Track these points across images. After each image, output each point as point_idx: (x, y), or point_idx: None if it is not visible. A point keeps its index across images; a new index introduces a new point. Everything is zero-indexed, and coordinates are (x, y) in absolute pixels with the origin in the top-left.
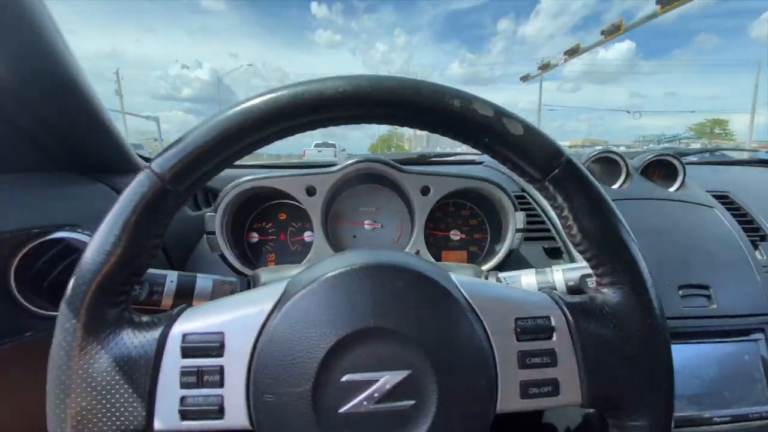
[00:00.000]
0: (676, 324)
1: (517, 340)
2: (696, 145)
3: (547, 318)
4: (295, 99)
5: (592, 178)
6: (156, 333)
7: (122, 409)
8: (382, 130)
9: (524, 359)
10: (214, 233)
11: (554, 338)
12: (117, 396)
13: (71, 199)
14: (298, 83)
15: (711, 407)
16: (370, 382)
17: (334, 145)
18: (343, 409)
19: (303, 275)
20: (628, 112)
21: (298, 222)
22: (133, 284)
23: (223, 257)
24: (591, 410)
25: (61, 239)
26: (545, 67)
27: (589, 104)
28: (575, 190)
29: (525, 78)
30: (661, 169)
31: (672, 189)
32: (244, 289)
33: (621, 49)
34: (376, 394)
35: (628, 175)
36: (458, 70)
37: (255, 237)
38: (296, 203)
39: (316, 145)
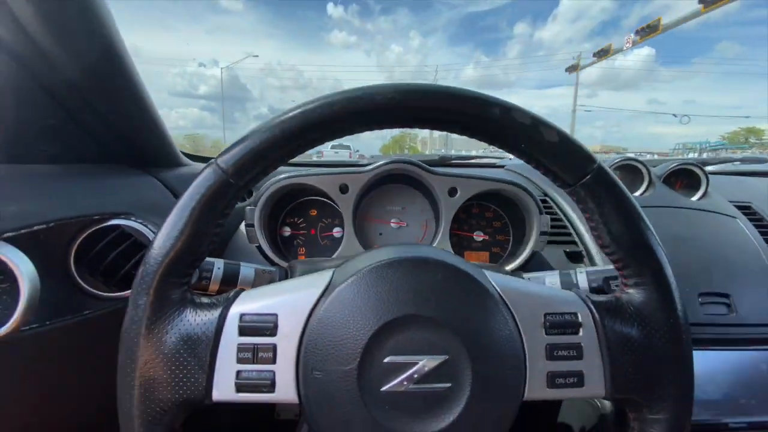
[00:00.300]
0: (695, 331)
1: (546, 333)
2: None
3: (575, 314)
4: (349, 104)
5: (622, 184)
6: (216, 312)
7: (185, 379)
8: (395, 131)
9: (552, 351)
10: (253, 225)
11: (581, 333)
12: (181, 368)
13: (124, 190)
14: (352, 90)
15: (727, 414)
16: (411, 365)
17: (348, 147)
18: (384, 388)
19: (349, 265)
20: (675, 115)
21: (328, 218)
22: (195, 268)
23: (260, 248)
24: (607, 409)
25: (117, 226)
26: (604, 52)
27: (606, 110)
28: (606, 196)
29: (572, 68)
30: (684, 178)
31: (694, 198)
32: (282, 278)
33: (640, 55)
34: (415, 376)
35: (650, 183)
36: (473, 73)
37: (287, 231)
38: (327, 200)
39: (333, 147)
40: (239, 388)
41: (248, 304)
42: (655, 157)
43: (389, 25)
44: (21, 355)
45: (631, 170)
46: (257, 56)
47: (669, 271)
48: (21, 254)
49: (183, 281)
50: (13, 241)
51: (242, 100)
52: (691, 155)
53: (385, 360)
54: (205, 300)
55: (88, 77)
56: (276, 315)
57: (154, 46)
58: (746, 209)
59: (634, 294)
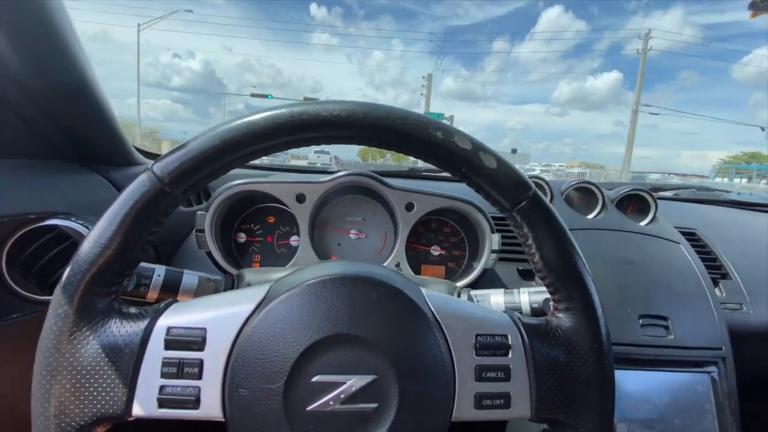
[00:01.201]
0: (634, 351)
1: (476, 354)
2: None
3: (506, 336)
4: (293, 118)
5: (555, 212)
6: (142, 324)
7: (104, 393)
8: None
9: (481, 373)
10: (203, 231)
11: (510, 355)
12: (100, 381)
13: (67, 188)
14: (298, 104)
15: (663, 431)
16: (338, 384)
17: (328, 153)
18: (310, 407)
19: (285, 280)
20: (763, 129)
21: (286, 226)
22: (125, 277)
23: (209, 255)
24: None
25: (54, 226)
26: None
27: (576, 129)
28: (539, 222)
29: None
30: (636, 202)
31: (643, 223)
32: (228, 288)
33: (609, 79)
34: (342, 395)
35: (603, 206)
36: (452, 85)
37: (242, 237)
38: (285, 207)
39: (316, 152)
40: (161, 403)
41: (177, 316)
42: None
43: (372, 31)
44: None
45: (587, 192)
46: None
47: (596, 299)
48: None
49: (110, 290)
50: None
51: (217, 96)
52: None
53: (313, 379)
54: (132, 310)
55: (30, 67)
56: (205, 329)
57: (126, 33)
58: (691, 235)
59: (563, 318)
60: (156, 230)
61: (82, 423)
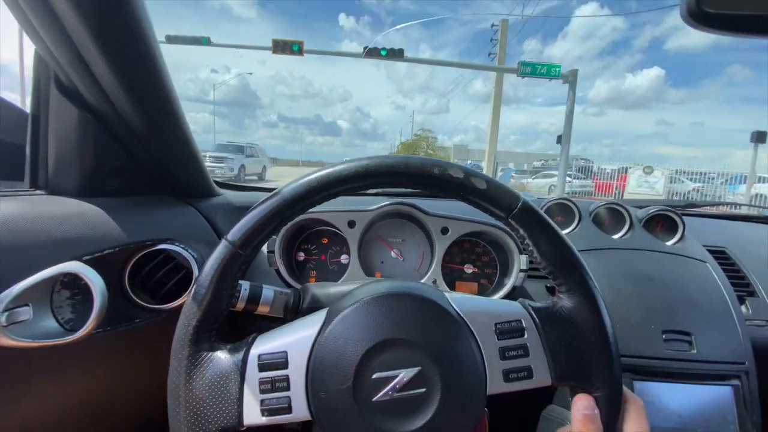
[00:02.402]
0: (657, 364)
1: (498, 339)
2: None
3: (519, 321)
4: (321, 180)
5: (544, 214)
6: (239, 356)
7: (221, 410)
8: (407, 136)
9: (504, 353)
10: (273, 252)
11: (526, 335)
12: (216, 404)
13: (169, 219)
14: (323, 169)
15: None
16: (392, 378)
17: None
18: (375, 398)
19: (338, 305)
20: None
21: (337, 246)
22: (219, 322)
23: (278, 272)
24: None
25: (163, 250)
26: None
27: (615, 129)
28: (531, 224)
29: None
30: (665, 221)
31: (671, 242)
32: (296, 300)
33: (649, 75)
34: (397, 386)
35: (631, 225)
36: (481, 88)
37: (301, 256)
38: (336, 230)
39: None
40: (263, 413)
41: (263, 345)
42: None
43: (400, 37)
44: (88, 355)
45: (615, 212)
46: (251, 74)
47: (592, 280)
48: (95, 273)
49: (210, 334)
50: (90, 262)
51: (252, 107)
52: None
53: (373, 376)
54: (229, 346)
55: (146, 124)
56: (286, 352)
57: (166, 51)
58: (720, 254)
59: (565, 299)
60: (235, 285)
61: None
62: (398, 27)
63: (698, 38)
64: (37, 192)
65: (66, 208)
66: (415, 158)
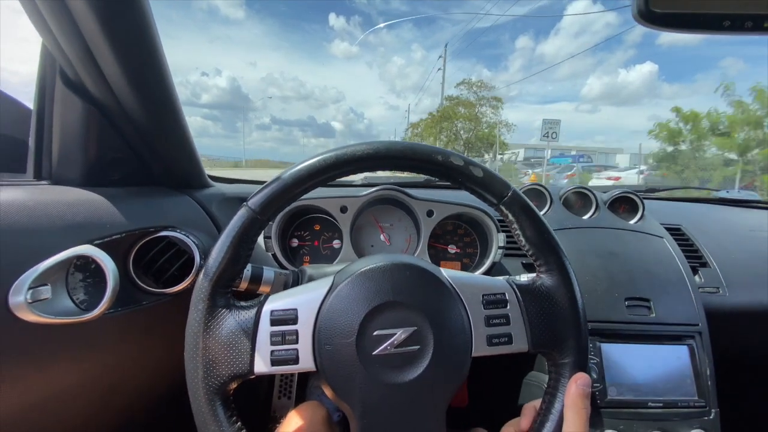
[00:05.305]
0: (621, 327)
1: (484, 308)
2: None
3: (503, 294)
4: (337, 158)
5: (530, 203)
6: (253, 311)
7: (235, 359)
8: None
9: (488, 320)
10: (270, 238)
11: (508, 307)
12: (231, 352)
13: (169, 208)
14: (338, 148)
15: (647, 394)
16: (391, 335)
17: None
18: (375, 352)
19: (345, 270)
20: None
21: (329, 232)
22: (235, 281)
23: (274, 256)
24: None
25: (165, 237)
26: None
27: (609, 126)
28: (519, 210)
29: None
30: (627, 203)
31: (632, 221)
32: (294, 280)
33: (642, 71)
34: (395, 342)
35: (597, 207)
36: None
37: (295, 242)
38: (329, 217)
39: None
40: (273, 362)
41: (275, 303)
42: None
43: (392, 37)
44: (100, 335)
45: (583, 196)
46: (270, 98)
47: (568, 263)
48: (107, 255)
49: (227, 291)
50: (100, 246)
51: (244, 110)
52: None
53: (374, 333)
54: (243, 303)
55: (147, 118)
56: (296, 309)
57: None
58: (676, 230)
59: (544, 278)
60: (252, 247)
61: (222, 381)
62: (378, 27)
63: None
64: (42, 182)
65: (72, 196)
66: (420, 145)
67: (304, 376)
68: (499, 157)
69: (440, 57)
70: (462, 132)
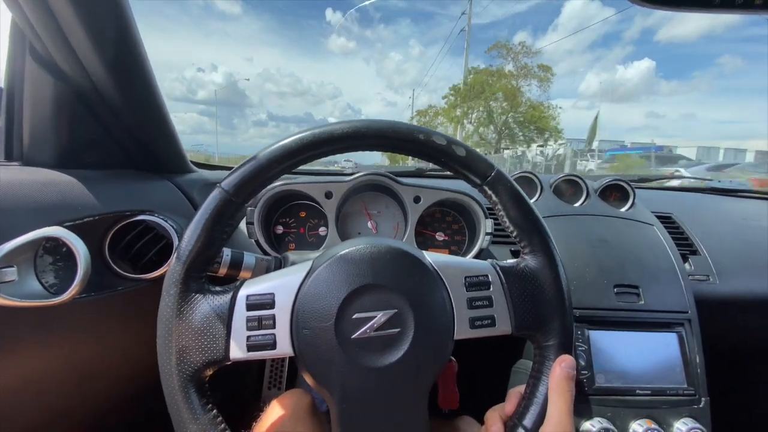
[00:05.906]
0: (610, 314)
1: (467, 290)
2: None
3: (486, 276)
4: (314, 137)
5: (515, 183)
6: (228, 296)
7: (209, 346)
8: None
9: (471, 303)
10: (253, 224)
11: (491, 289)
12: (205, 338)
13: (147, 192)
14: (316, 127)
15: (636, 381)
16: (371, 318)
17: (351, 160)
18: (354, 336)
19: (324, 254)
20: None
21: (315, 219)
22: (209, 265)
23: (257, 243)
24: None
25: (143, 221)
26: None
27: (606, 122)
28: (503, 191)
29: None
30: (618, 191)
31: (623, 209)
32: (276, 266)
33: (640, 67)
34: (375, 325)
35: (588, 195)
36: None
37: (280, 229)
38: (314, 204)
39: (345, 160)
40: (249, 348)
41: (252, 287)
42: None
43: (389, 33)
44: (72, 320)
45: (574, 184)
46: (248, 80)
47: (552, 243)
48: (77, 238)
49: (200, 276)
50: (71, 228)
51: (241, 106)
52: None
53: (354, 316)
54: (218, 288)
55: (122, 98)
56: (273, 293)
57: (151, 49)
58: (667, 219)
59: (529, 259)
60: (228, 231)
61: (196, 368)
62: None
63: (689, 29)
64: (13, 163)
65: (43, 176)
66: (402, 124)
67: (294, 367)
68: (559, 144)
69: (463, 13)
70: (495, 114)
